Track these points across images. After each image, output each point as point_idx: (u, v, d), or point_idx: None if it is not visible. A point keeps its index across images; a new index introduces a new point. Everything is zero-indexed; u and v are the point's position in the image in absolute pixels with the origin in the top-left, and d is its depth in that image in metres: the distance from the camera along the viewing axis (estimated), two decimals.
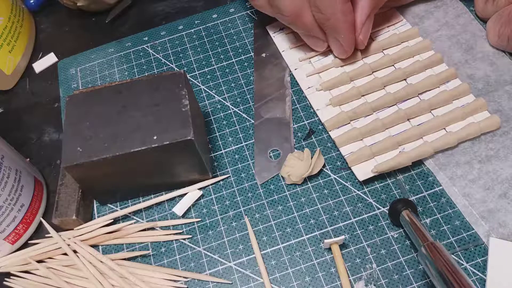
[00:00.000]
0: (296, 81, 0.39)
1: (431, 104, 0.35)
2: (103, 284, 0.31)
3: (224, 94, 0.40)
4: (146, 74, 0.43)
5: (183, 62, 0.43)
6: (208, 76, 0.41)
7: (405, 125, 0.35)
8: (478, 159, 0.33)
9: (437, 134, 0.34)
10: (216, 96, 0.40)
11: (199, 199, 0.35)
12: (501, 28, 0.36)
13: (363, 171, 0.33)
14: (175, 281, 0.32)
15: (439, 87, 0.36)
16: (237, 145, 0.37)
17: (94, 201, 0.36)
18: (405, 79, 0.37)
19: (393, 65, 0.38)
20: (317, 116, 0.37)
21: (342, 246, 0.32)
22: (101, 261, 0.32)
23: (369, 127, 0.34)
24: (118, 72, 0.43)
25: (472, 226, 0.31)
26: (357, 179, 0.34)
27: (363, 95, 0.37)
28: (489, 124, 0.33)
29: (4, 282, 0.33)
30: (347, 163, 0.34)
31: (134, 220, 0.35)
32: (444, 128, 0.34)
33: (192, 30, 0.45)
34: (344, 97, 0.36)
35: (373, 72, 0.38)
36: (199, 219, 0.34)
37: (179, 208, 0.34)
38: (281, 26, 0.42)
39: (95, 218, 0.35)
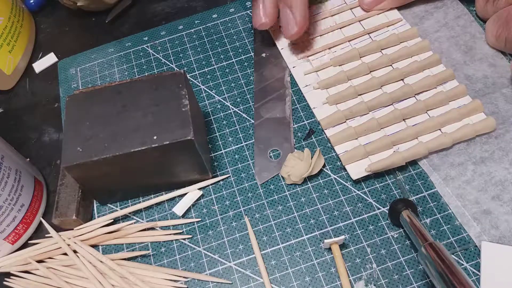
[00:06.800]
0: (296, 81, 0.39)
1: (427, 105, 0.35)
2: (103, 284, 0.31)
3: (224, 94, 0.40)
4: (146, 74, 0.43)
5: (183, 62, 0.43)
6: (208, 76, 0.41)
7: (401, 125, 0.35)
8: (472, 161, 0.33)
9: (432, 135, 0.34)
10: (216, 96, 0.40)
11: (199, 199, 0.35)
12: (498, 30, 0.36)
13: (357, 170, 0.33)
14: (175, 281, 0.32)
15: (436, 88, 0.36)
16: (237, 145, 0.37)
17: (94, 201, 0.36)
18: (402, 79, 0.37)
19: (391, 65, 0.38)
20: None
21: (342, 246, 0.32)
22: (101, 261, 0.32)
23: (365, 126, 0.34)
24: (118, 72, 0.43)
25: (464, 227, 0.31)
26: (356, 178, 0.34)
27: (359, 94, 0.37)
28: (485, 126, 0.33)
29: (4, 282, 0.33)
30: (341, 161, 0.34)
31: (134, 220, 0.35)
32: (440, 129, 0.34)
33: (192, 30, 0.45)
34: (341, 96, 0.36)
35: (370, 71, 0.38)
36: (199, 219, 0.34)
37: (179, 208, 0.34)
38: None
39: (95, 218, 0.35)
